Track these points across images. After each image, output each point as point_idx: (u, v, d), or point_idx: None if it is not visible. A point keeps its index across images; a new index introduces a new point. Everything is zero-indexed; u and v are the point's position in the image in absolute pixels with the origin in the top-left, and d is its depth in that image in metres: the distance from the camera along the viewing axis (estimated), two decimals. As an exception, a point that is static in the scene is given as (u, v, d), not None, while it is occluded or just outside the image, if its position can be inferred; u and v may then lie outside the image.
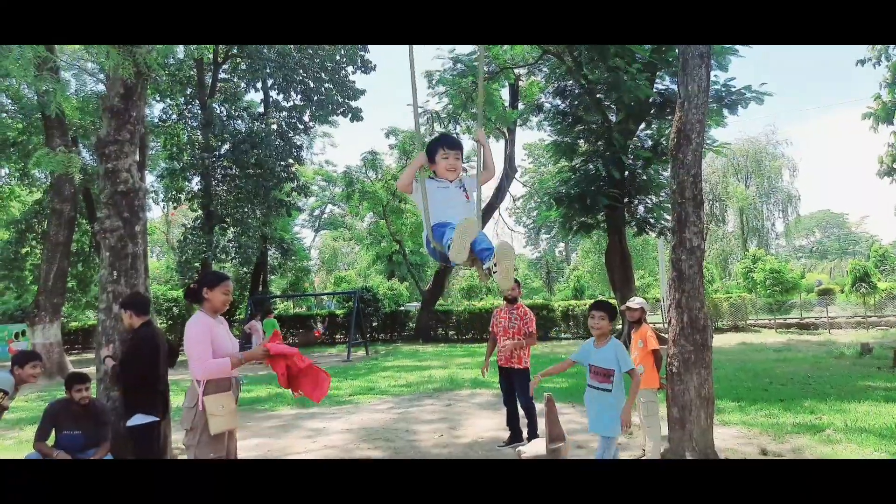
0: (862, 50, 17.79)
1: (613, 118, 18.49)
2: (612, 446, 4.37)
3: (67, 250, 17.17)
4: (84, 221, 22.37)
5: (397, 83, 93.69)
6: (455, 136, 3.36)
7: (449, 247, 2.96)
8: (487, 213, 27.17)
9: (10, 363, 4.85)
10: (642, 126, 18.62)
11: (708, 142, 16.28)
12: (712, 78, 6.80)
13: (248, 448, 6.66)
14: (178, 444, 6.20)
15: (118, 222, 5.53)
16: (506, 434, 6.64)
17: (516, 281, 6.76)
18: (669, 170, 6.20)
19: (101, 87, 16.36)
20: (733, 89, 16.31)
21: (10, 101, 18.52)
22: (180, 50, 18.81)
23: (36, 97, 16.39)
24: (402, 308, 29.62)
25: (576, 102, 18.86)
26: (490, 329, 6.71)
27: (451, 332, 26.05)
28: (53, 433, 5.07)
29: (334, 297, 34.31)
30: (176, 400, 6.60)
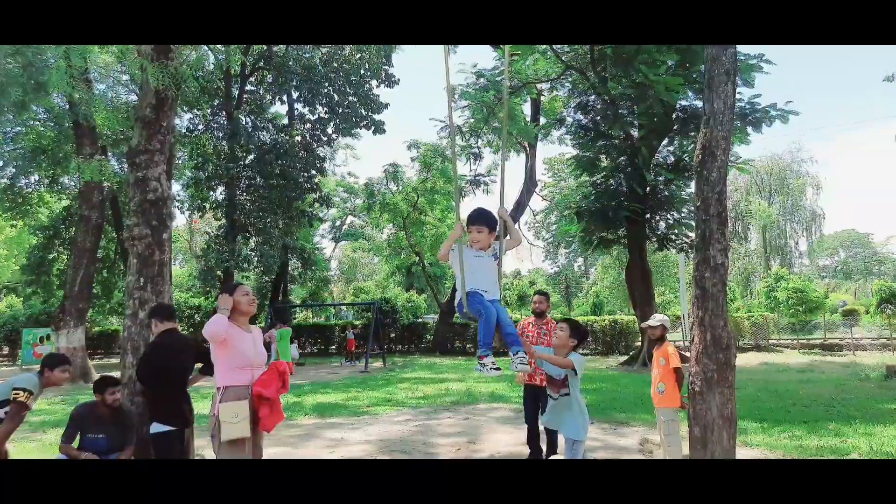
0: (890, 66, 17.60)
1: (635, 134, 18.46)
2: (579, 449, 4.69)
3: (94, 256, 17.50)
4: (110, 228, 22.77)
5: (420, 97, 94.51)
6: (485, 210, 3.72)
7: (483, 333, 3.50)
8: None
9: (39, 366, 4.93)
10: (664, 142, 18.55)
11: (731, 159, 16.14)
12: (737, 94, 6.77)
13: (269, 456, 6.69)
14: (199, 450, 6.28)
15: (147, 230, 5.63)
16: (525, 450, 6.58)
17: (544, 293, 6.65)
18: (693, 186, 6.17)
19: (133, 97, 16.73)
20: (758, 107, 16.20)
21: (42, 109, 18.98)
22: (210, 60, 19.12)
23: (67, 106, 16.80)
24: (420, 320, 29.66)
25: (598, 117, 18.85)
26: None
27: (468, 345, 25.97)
28: (79, 437, 5.11)
29: (353, 307, 34.46)
30: (198, 407, 6.68)
